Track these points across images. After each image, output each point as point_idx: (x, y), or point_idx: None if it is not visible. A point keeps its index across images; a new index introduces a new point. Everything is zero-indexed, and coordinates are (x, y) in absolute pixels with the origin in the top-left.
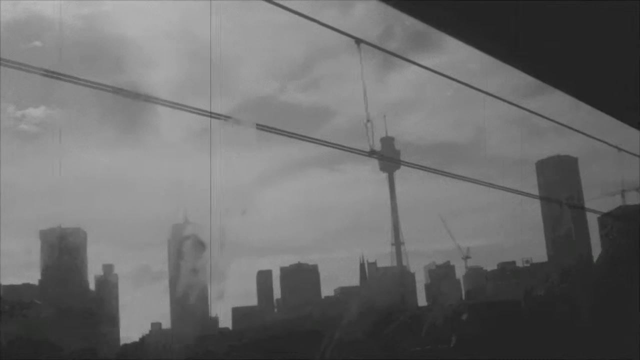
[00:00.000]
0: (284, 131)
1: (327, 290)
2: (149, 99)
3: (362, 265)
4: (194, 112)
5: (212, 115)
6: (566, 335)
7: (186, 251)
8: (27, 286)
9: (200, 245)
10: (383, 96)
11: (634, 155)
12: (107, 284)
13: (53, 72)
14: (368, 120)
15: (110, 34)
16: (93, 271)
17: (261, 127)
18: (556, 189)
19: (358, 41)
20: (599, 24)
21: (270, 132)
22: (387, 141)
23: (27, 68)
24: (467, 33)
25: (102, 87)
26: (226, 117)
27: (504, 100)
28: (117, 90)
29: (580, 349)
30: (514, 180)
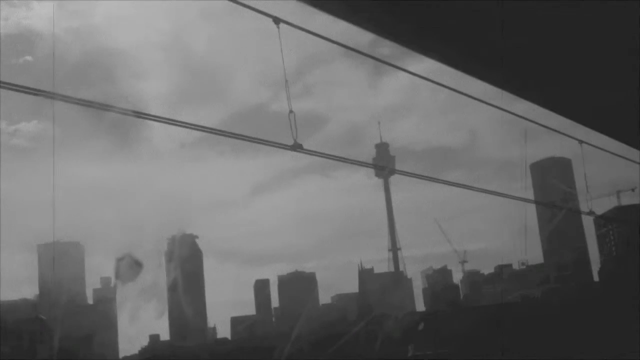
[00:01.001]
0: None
1: (324, 297)
2: (139, 115)
3: (360, 272)
4: (183, 126)
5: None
6: (564, 337)
7: (183, 262)
8: (24, 302)
9: (196, 256)
10: (376, 101)
11: (620, 156)
12: (105, 296)
13: (42, 91)
14: (291, 111)
15: (101, 46)
16: (91, 284)
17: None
18: (551, 190)
19: (277, 20)
20: (594, 43)
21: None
22: (382, 147)
23: (15, 88)
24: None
25: (92, 104)
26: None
27: (489, 104)
28: (107, 107)
29: (579, 351)
30: (508, 181)
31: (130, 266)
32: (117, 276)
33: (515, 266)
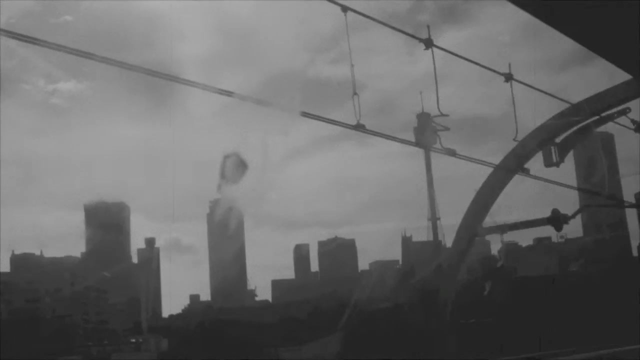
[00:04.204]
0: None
1: (362, 264)
2: (175, 79)
3: (403, 238)
4: (220, 93)
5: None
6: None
7: (225, 225)
8: (69, 259)
9: (237, 219)
10: (413, 69)
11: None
12: (149, 256)
13: (80, 51)
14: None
15: (138, 8)
16: (135, 244)
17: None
18: (592, 165)
19: (345, 9)
20: None
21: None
22: (424, 117)
23: (57, 47)
24: None
25: (128, 66)
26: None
27: (521, 82)
28: (145, 71)
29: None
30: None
31: (237, 165)
32: (222, 175)
33: (554, 239)
